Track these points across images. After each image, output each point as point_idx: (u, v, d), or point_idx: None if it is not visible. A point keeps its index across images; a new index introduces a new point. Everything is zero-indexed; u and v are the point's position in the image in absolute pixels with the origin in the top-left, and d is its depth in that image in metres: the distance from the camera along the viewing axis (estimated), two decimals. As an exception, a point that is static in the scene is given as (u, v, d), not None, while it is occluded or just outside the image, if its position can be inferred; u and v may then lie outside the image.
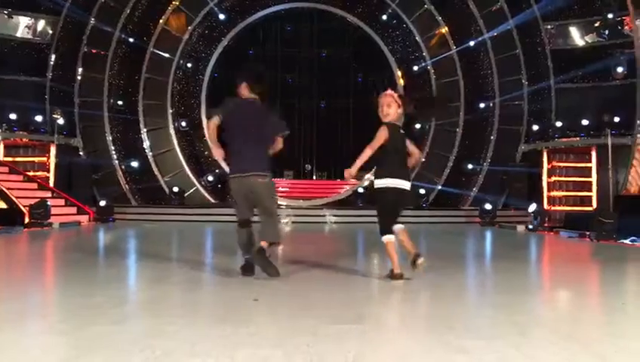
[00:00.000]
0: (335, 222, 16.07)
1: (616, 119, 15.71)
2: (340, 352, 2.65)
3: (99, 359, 2.55)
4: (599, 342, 2.96)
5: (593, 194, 16.67)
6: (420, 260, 4.76)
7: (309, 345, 2.75)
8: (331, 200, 18.90)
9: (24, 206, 12.50)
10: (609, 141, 15.33)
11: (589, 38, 17.27)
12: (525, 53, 18.16)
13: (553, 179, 17.46)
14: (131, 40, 18.59)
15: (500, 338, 2.95)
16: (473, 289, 4.81)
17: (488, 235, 12.20)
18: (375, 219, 4.99)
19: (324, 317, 3.48)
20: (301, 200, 18.86)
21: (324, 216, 16.57)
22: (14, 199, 12.76)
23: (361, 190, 18.46)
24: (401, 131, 5.03)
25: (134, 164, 18.44)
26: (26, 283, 4.99)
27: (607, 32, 16.38)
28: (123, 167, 18.39)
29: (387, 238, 4.87)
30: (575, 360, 2.60)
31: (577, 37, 17.58)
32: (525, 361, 2.57)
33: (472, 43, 18.81)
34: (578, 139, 16.87)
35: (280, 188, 20.06)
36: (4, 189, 12.95)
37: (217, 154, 5.11)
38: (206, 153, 19.10)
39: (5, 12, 16.58)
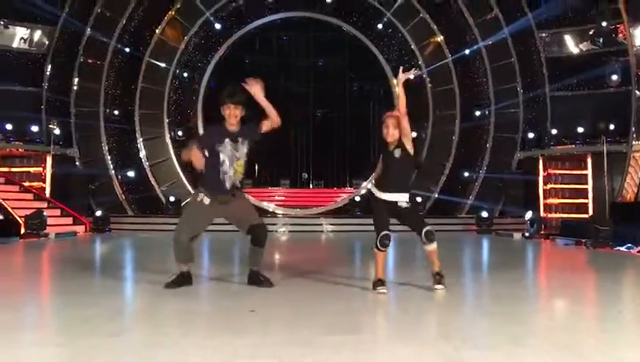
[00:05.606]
0: (332, 231, 16.05)
1: (612, 126, 15.76)
2: (335, 363, 2.65)
3: (94, 371, 2.54)
4: (595, 352, 2.96)
5: (589, 201, 16.65)
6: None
7: (304, 356, 2.75)
8: (328, 209, 18.87)
9: (20, 216, 12.45)
10: (604, 148, 15.36)
11: (583, 46, 17.34)
12: (520, 61, 18.21)
13: (549, 186, 17.46)
14: (127, 50, 18.60)
15: (495, 349, 2.95)
16: (469, 299, 4.82)
17: (485, 243, 12.20)
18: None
19: (320, 327, 3.48)
20: (297, 209, 18.84)
21: (320, 224, 16.54)
22: (10, 210, 12.72)
23: (358, 198, 18.44)
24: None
25: (131, 173, 18.38)
26: (21, 294, 4.97)
27: (601, 40, 16.48)
28: (119, 176, 18.32)
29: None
30: (570, 369, 2.60)
31: (572, 45, 17.64)
32: (521, 371, 2.58)
33: (467, 51, 18.88)
34: (573, 146, 16.89)
35: (276, 197, 20.04)
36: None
37: None
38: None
39: (1, 23, 16.56)
